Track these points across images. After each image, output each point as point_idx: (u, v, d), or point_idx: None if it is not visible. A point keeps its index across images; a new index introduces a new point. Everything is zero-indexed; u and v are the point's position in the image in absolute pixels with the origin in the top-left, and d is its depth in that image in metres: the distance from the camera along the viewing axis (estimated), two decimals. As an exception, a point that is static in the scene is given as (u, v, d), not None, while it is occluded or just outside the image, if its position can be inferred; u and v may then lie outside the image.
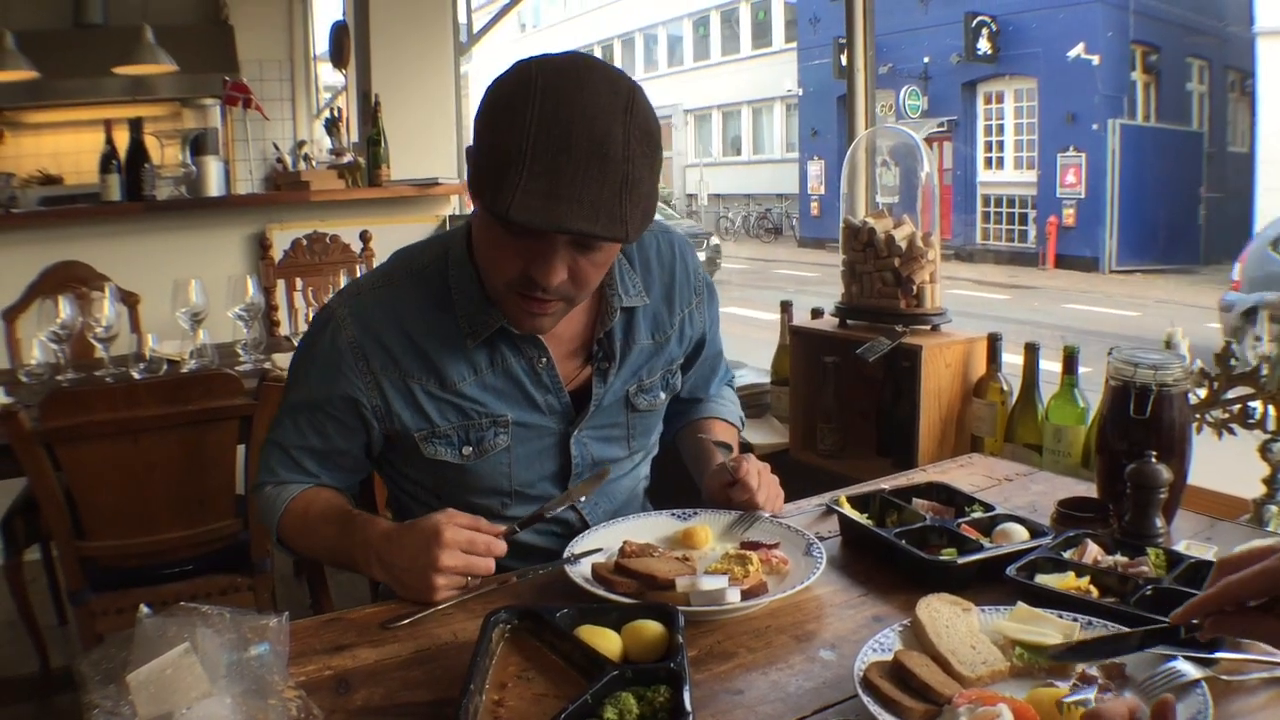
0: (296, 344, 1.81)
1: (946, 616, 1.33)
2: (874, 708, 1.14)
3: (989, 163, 23.04)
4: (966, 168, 23.03)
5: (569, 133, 1.37)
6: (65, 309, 3.22)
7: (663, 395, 1.88)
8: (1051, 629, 1.30)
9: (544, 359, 1.70)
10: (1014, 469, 2.15)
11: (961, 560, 1.52)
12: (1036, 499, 1.93)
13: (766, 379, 3.48)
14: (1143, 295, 16.82)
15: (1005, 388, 2.76)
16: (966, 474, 2.09)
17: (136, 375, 3.20)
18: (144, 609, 1.22)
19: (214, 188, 4.92)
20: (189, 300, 3.30)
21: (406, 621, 1.45)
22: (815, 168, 26.32)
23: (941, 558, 1.54)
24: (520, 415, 1.72)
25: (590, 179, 1.38)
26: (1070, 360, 2.54)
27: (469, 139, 1.56)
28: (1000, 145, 22.85)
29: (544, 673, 1.25)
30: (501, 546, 1.53)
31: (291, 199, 5.06)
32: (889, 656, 1.25)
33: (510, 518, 1.74)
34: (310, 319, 1.83)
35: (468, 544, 1.49)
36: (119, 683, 1.10)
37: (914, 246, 2.80)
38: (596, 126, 1.38)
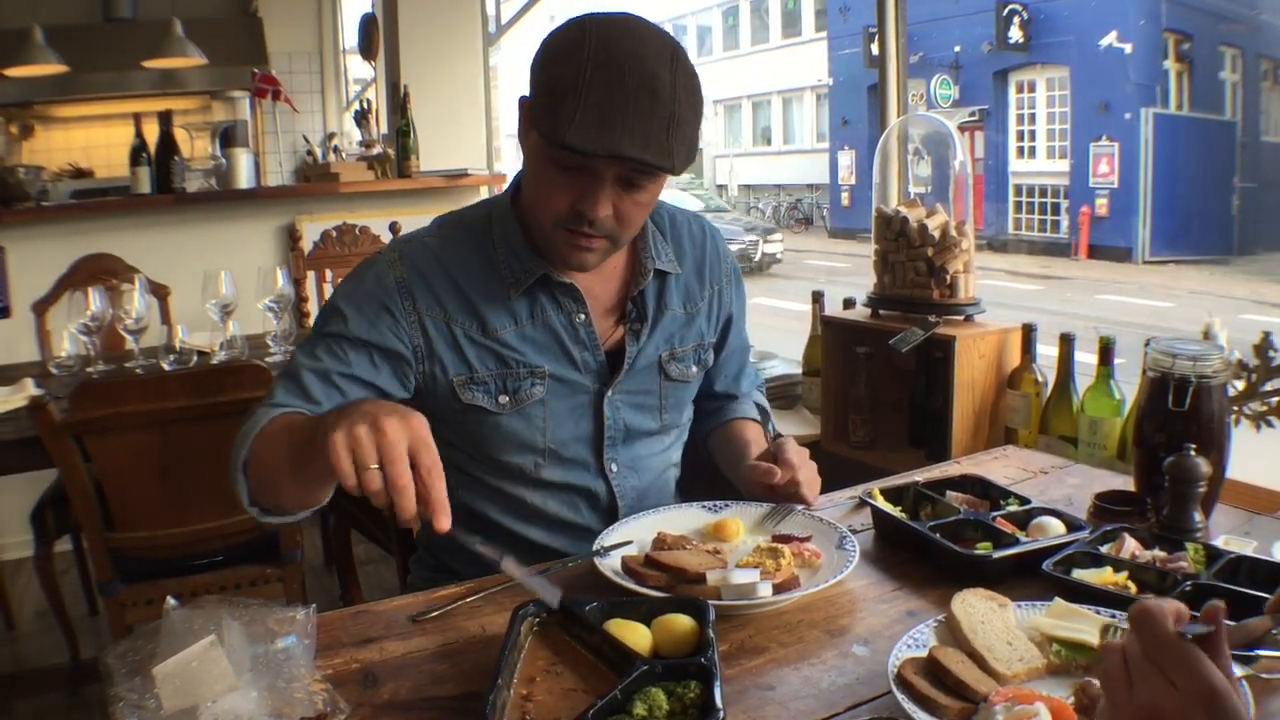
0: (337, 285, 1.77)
1: (982, 612, 1.31)
2: (908, 705, 1.12)
3: (1020, 152, 22.88)
4: (998, 157, 22.88)
5: (622, 70, 1.46)
6: (95, 301, 3.22)
7: (695, 368, 1.90)
8: (1089, 626, 1.27)
9: (582, 314, 1.75)
10: (1049, 461, 2.11)
11: (997, 555, 1.50)
12: (1073, 492, 1.89)
13: (797, 370, 3.45)
14: (1176, 286, 16.66)
15: (1040, 379, 2.73)
16: (1001, 466, 2.06)
17: (166, 367, 3.20)
18: (171, 601, 1.21)
19: (243, 180, 4.92)
20: (219, 292, 3.30)
21: (435, 614, 1.44)
22: (846, 158, 26.22)
23: (976, 552, 1.52)
24: (557, 369, 1.74)
25: (640, 111, 1.46)
26: (1106, 351, 2.50)
27: (499, 130, 1.60)
28: (1032, 134, 22.68)
29: (573, 667, 1.23)
30: (439, 491, 1.27)
31: (321, 190, 5.06)
32: (923, 653, 1.23)
33: (543, 481, 1.78)
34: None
35: (423, 453, 1.27)
36: (145, 675, 1.10)
37: (947, 236, 2.77)
38: (646, 67, 1.48)
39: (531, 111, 1.55)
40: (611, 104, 1.45)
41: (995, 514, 1.65)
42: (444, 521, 1.26)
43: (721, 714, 1.05)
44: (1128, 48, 19.85)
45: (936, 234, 2.78)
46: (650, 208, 1.65)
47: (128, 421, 2.50)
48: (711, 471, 2.02)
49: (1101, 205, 20.30)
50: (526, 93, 1.60)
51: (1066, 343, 2.60)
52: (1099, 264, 19.57)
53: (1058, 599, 1.34)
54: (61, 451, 2.49)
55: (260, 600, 1.23)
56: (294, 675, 1.12)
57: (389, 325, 1.67)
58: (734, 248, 12.81)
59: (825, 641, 1.35)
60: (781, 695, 1.22)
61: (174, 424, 2.52)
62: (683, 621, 1.27)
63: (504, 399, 1.72)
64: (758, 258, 20.80)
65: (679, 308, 1.85)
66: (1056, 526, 1.60)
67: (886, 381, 3.04)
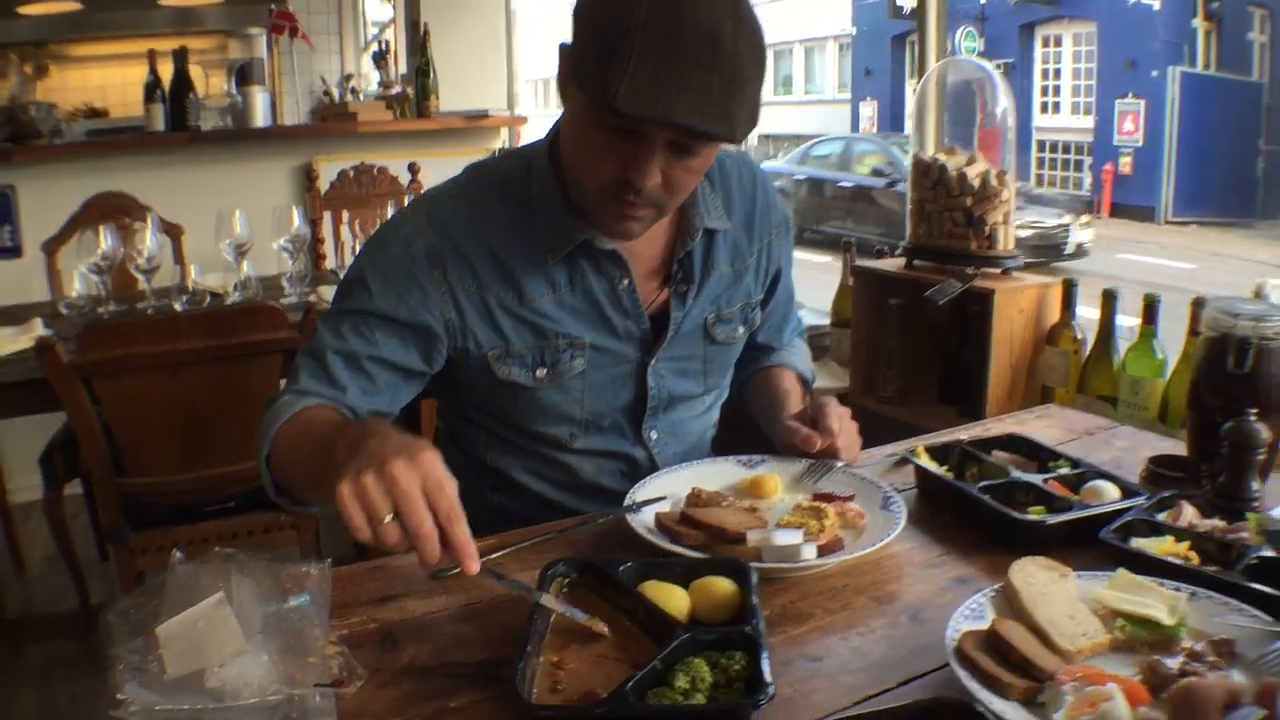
0: (358, 251, 1.65)
1: (1042, 582, 1.22)
2: (970, 683, 1.04)
3: (1044, 107, 22.57)
4: (1022, 112, 22.56)
5: (680, 18, 1.29)
6: (106, 240, 3.15)
7: (741, 329, 1.79)
8: (1156, 600, 1.19)
9: (625, 280, 1.62)
10: (1094, 422, 2.02)
11: (1052, 520, 1.41)
12: (1120, 455, 1.80)
13: (825, 321, 3.36)
14: (1198, 247, 16.44)
15: (1079, 336, 2.63)
16: (1045, 426, 1.97)
17: (178, 308, 3.13)
18: (176, 555, 1.14)
19: (260, 118, 4.81)
20: (233, 231, 3.22)
21: (456, 571, 1.34)
22: (868, 109, 25.86)
23: (1031, 517, 1.43)
24: (598, 339, 1.62)
25: (700, 67, 1.29)
26: (1151, 310, 2.42)
27: (519, 72, 1.47)
28: (1057, 90, 22.36)
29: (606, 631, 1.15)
30: (463, 535, 1.14)
31: (338, 130, 4.96)
32: (982, 625, 1.15)
33: (578, 450, 1.68)
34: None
35: (438, 496, 1.13)
36: (148, 635, 1.02)
37: (987, 185, 2.67)
38: (707, 17, 1.30)
39: (574, 63, 1.39)
40: (667, 61, 1.28)
41: (1047, 476, 1.57)
42: (473, 565, 1.14)
43: (772, 689, 0.97)
44: (1156, 4, 19.50)
45: (976, 183, 2.67)
46: (703, 174, 1.51)
47: (137, 363, 2.43)
48: (745, 423, 1.93)
49: (1125, 163, 20.04)
50: (567, 39, 1.42)
51: (1109, 300, 2.50)
52: (1121, 223, 19.31)
53: (1122, 570, 1.25)
54: (69, 394, 2.43)
55: (271, 555, 1.15)
56: (307, 637, 1.04)
57: (418, 299, 1.53)
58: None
59: (873, 609, 1.27)
60: (829, 667, 1.14)
61: (186, 366, 2.46)
62: (723, 585, 1.19)
63: (541, 372, 1.61)
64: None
65: (726, 266, 1.73)
66: (1110, 491, 1.52)
67: (917, 335, 2.94)
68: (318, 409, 1.48)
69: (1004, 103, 2.80)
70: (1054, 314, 2.70)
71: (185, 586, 1.08)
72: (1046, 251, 13.01)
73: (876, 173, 14.92)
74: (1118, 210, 20.00)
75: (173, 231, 4.06)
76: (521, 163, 1.62)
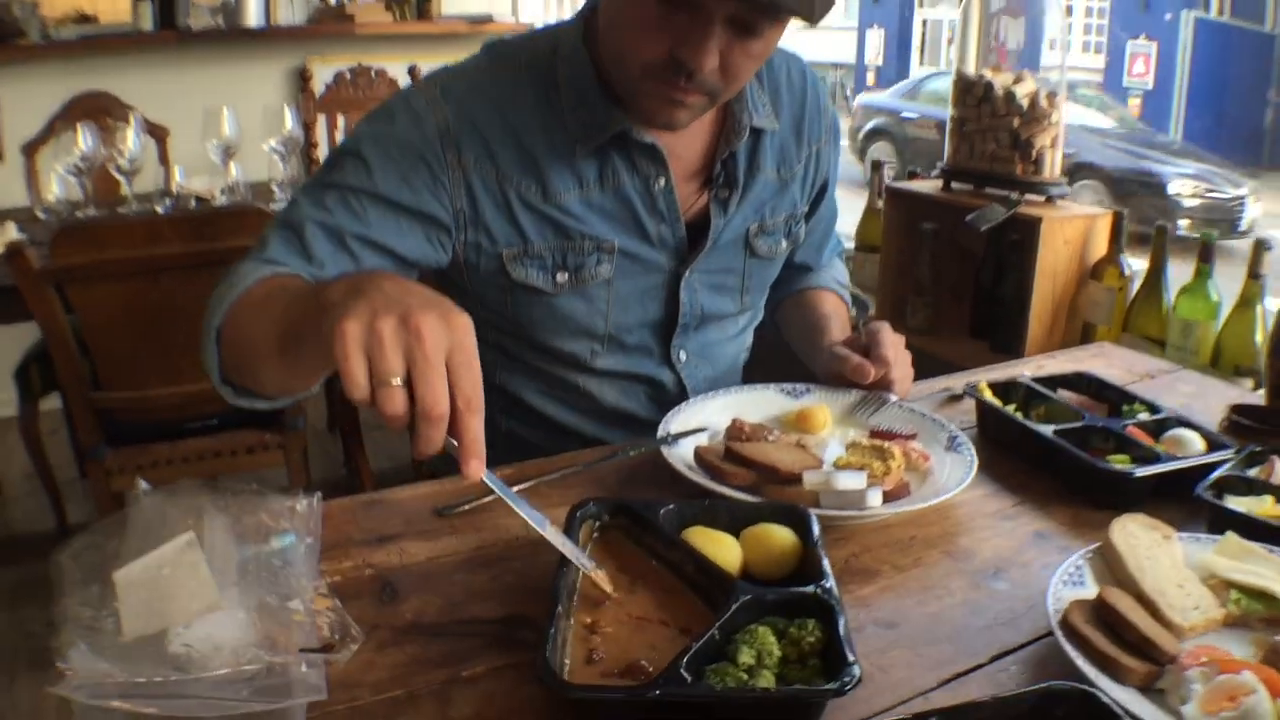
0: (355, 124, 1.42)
1: (1146, 545, 1.06)
2: (1084, 664, 0.87)
3: (1054, 44, 22.20)
4: (1032, 47, 22.21)
5: None
6: (86, 140, 3.00)
7: (784, 244, 1.60)
8: (1268, 569, 1.03)
9: (662, 180, 1.42)
10: (1155, 365, 1.85)
11: (1142, 472, 1.24)
12: (1188, 402, 1.61)
13: (849, 245, 3.17)
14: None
15: (1126, 273, 2.46)
16: (1103, 366, 1.79)
17: (160, 211, 2.94)
18: (141, 485, 0.96)
19: (252, 18, 4.57)
20: (221, 132, 3.03)
21: (465, 507, 1.18)
22: (875, 37, 25.24)
23: (1118, 468, 1.26)
24: (627, 243, 1.43)
25: None
26: (1207, 249, 2.24)
27: None
28: (1069, 27, 21.98)
29: (645, 587, 0.98)
30: (476, 429, 0.90)
31: (335, 31, 4.74)
32: (1084, 592, 0.98)
33: (599, 371, 1.50)
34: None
35: (465, 374, 0.90)
36: (104, 581, 0.84)
37: (1036, 106, 2.47)
38: None
39: None
40: None
41: (1125, 422, 1.39)
42: (477, 469, 0.90)
43: (857, 671, 0.80)
44: (1173, -57, 19.12)
45: (1025, 103, 2.48)
46: (763, 60, 1.32)
47: (114, 269, 2.27)
48: (768, 353, 1.75)
49: (1134, 105, 19.71)
50: None
51: (1161, 235, 2.33)
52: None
53: (1231, 534, 1.09)
54: (40, 301, 2.27)
55: (252, 486, 0.97)
56: (292, 588, 0.86)
57: (425, 183, 1.33)
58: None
59: (949, 567, 1.10)
60: (908, 636, 0.97)
61: (166, 273, 2.29)
62: (780, 535, 1.02)
63: (562, 277, 1.41)
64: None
65: (772, 171, 1.53)
66: (1195, 442, 1.34)
67: (950, 263, 2.76)
68: (290, 277, 1.23)
69: (1060, 19, 2.60)
70: (1100, 248, 2.52)
71: (151, 523, 0.91)
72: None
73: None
74: (1124, 152, 19.76)
75: (158, 133, 3.90)
76: (548, 43, 1.41)
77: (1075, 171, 9.83)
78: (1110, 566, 1.04)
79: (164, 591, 0.81)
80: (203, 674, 0.75)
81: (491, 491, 0.95)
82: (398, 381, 0.85)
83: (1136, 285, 2.42)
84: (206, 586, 0.82)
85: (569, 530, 1.00)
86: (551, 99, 1.37)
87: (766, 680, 0.80)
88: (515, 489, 1.22)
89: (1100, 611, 0.94)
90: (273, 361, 1.10)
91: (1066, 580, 0.99)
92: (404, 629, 0.96)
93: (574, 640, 0.89)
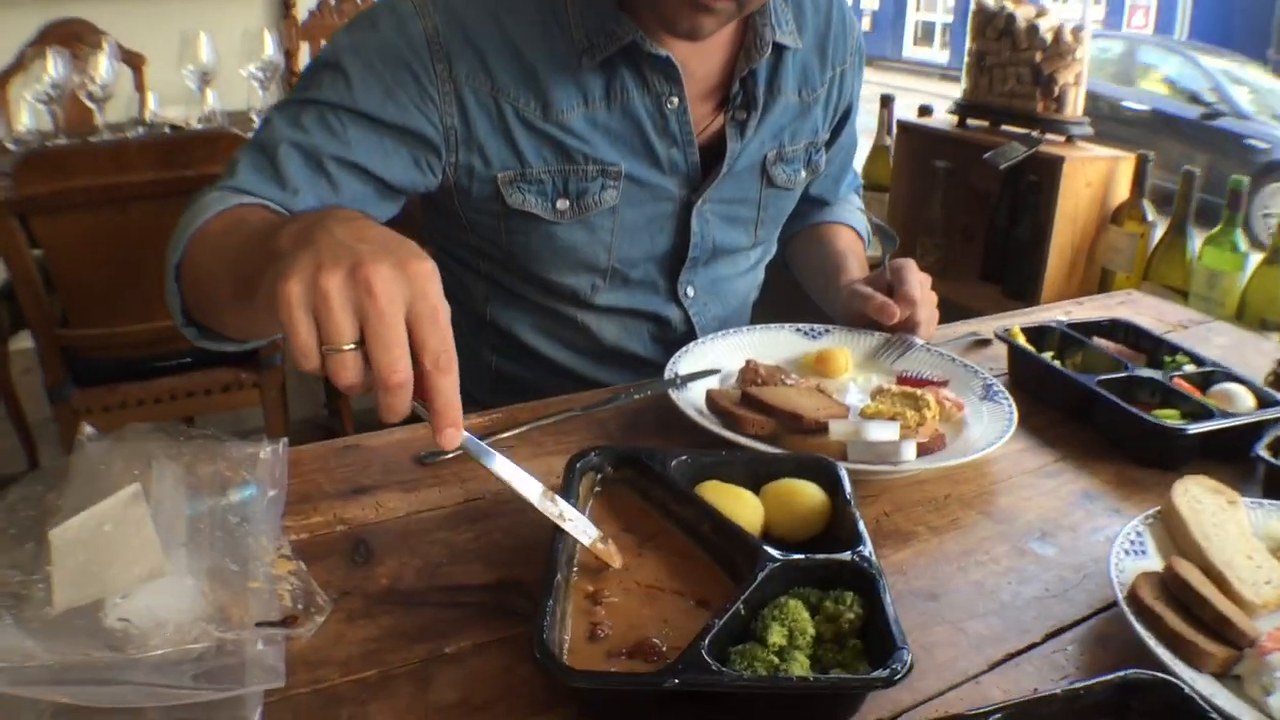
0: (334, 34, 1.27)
1: (1210, 510, 0.95)
2: (1158, 648, 0.76)
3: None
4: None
5: None
6: (56, 67, 2.87)
7: (803, 174, 1.48)
8: (1337, 541, 0.93)
9: (675, 98, 1.29)
10: (1186, 314, 1.73)
11: (1194, 429, 1.12)
12: (1223, 354, 1.49)
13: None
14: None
15: (1149, 219, 2.34)
16: (1132, 314, 1.66)
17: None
18: (86, 429, 0.85)
19: (234, -62, 4.41)
20: (197, 58, 2.89)
21: (450, 456, 1.06)
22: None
23: (1169, 423, 1.14)
24: (635, 168, 1.30)
25: None
26: (1236, 196, 2.13)
27: None
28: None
29: (655, 550, 0.86)
30: (449, 390, 0.76)
31: (321, -46, 4.56)
32: (1147, 563, 0.88)
33: (600, 307, 1.39)
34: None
35: (428, 328, 0.75)
36: (40, 539, 0.72)
37: (1061, 40, 2.35)
38: None
39: None
40: None
41: (1171, 374, 1.28)
42: (452, 437, 0.77)
43: (908, 657, 0.68)
44: None
45: (1048, 37, 2.35)
46: None
47: (80, 199, 2.14)
48: (778, 295, 1.63)
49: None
50: None
51: (1187, 180, 2.21)
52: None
53: (1296, 497, 0.98)
54: (2, 233, 2.11)
55: (209, 430, 0.85)
56: (250, 549, 0.74)
57: (411, 97, 1.19)
58: None
59: (990, 530, 0.99)
60: (950, 610, 0.86)
61: (135, 202, 2.16)
62: (806, 491, 0.90)
63: (563, 204, 1.29)
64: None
65: (793, 93, 1.41)
66: (1245, 398, 1.23)
67: (962, 203, 2.64)
68: (256, 207, 1.11)
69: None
70: (1122, 191, 2.40)
71: (95, 472, 0.80)
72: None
73: (1194, 99, 9.79)
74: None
75: (133, 61, 3.75)
76: None
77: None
78: (1173, 534, 0.93)
79: (104, 551, 0.70)
80: (140, 654, 0.63)
81: (478, 438, 0.83)
82: (349, 346, 0.73)
83: (1158, 232, 2.32)
84: (150, 547, 0.70)
85: (568, 485, 0.88)
86: (554, 4, 1.23)
87: (800, 664, 0.69)
88: (506, 434, 1.11)
89: (1170, 585, 0.83)
90: (230, 304, 0.99)
91: (1128, 550, 0.88)
92: (378, 596, 0.84)
93: (575, 613, 0.77)
